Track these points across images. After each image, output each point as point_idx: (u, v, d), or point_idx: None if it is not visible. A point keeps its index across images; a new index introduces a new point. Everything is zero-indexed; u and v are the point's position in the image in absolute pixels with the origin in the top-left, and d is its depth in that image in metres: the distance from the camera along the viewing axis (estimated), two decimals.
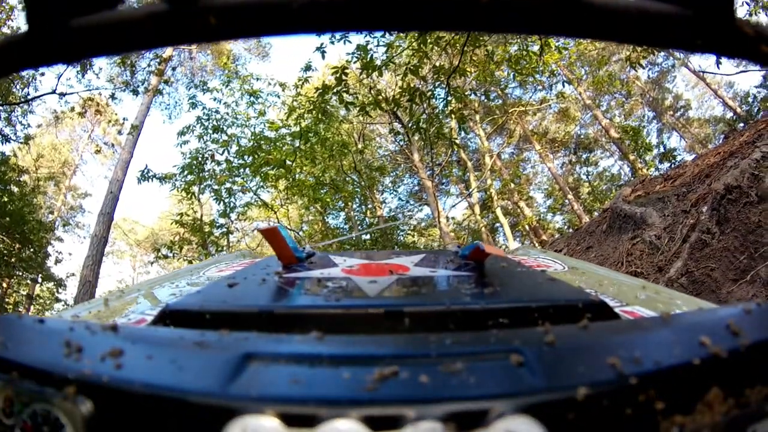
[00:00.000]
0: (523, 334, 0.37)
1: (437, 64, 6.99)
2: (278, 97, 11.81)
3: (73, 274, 16.63)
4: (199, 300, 0.54)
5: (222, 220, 12.23)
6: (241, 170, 10.97)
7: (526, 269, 0.74)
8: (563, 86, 10.48)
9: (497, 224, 19.37)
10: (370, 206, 17.77)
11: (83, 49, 0.29)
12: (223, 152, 10.75)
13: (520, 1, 0.26)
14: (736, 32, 0.29)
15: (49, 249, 15.73)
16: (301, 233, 15.68)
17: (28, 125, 12.74)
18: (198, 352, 0.34)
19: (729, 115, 16.22)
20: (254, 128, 11.39)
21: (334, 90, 6.03)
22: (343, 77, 5.88)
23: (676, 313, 0.42)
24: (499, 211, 17.69)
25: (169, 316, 0.49)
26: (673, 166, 10.34)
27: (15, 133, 12.14)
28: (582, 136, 21.21)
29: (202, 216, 13.36)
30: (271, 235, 0.77)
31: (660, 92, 20.69)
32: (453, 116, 7.19)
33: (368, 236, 11.68)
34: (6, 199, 11.82)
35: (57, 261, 15.82)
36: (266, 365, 0.31)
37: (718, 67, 6.73)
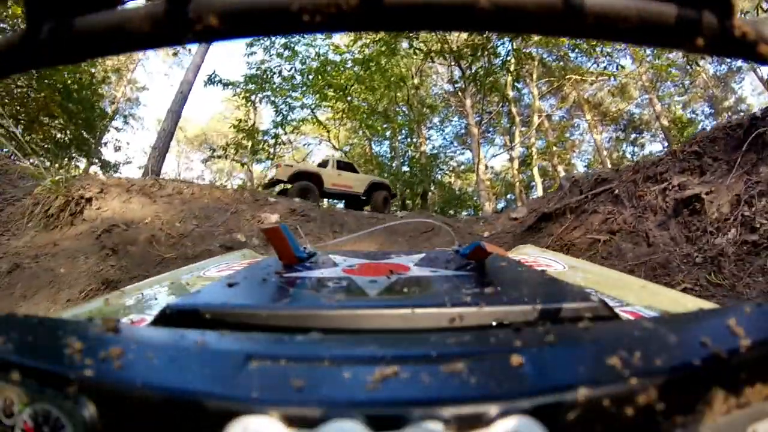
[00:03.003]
0: (523, 334, 0.37)
1: None
2: None
3: (129, 162, 17.79)
4: (200, 300, 0.53)
5: (276, 130, 12.83)
6: (301, 87, 11.41)
7: (526, 269, 0.74)
8: (625, 59, 10.32)
9: (532, 183, 19.45)
10: (415, 140, 17.92)
11: (83, 49, 0.29)
12: (291, 69, 11.20)
13: (520, 1, 0.27)
14: (736, 32, 0.28)
15: (108, 137, 16.96)
16: (344, 152, 16.05)
17: None
18: (198, 352, 0.34)
19: None
20: (320, 49, 11.69)
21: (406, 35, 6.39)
22: None
23: (677, 313, 0.43)
24: (536, 170, 17.69)
25: (170, 316, 0.49)
26: None
27: None
28: (635, 116, 20.54)
29: (254, 123, 14.02)
30: (273, 234, 0.77)
31: (723, 91, 19.52)
32: (510, 74, 7.53)
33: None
34: (75, 87, 12.68)
35: (116, 149, 17.15)
36: (267, 365, 0.31)
37: None
